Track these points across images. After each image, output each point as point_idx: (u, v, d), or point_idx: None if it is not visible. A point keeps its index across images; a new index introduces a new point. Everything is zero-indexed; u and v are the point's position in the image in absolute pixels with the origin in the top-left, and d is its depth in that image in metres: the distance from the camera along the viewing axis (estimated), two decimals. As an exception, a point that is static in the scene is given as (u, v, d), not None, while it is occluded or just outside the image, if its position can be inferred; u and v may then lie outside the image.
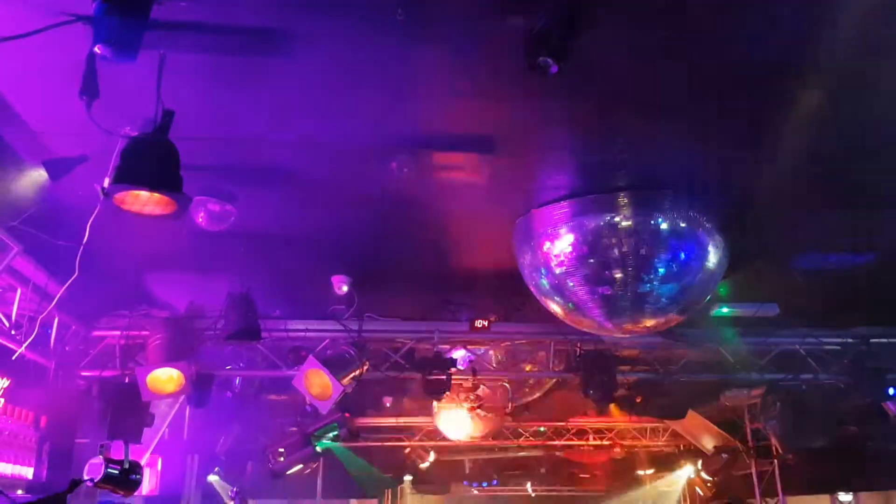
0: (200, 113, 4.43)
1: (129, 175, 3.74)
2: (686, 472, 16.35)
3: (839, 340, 8.78)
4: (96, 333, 8.00)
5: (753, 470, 12.47)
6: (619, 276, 5.86)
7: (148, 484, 9.55)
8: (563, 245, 5.84)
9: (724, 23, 3.87)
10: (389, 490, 17.01)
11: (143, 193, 3.92)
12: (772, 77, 4.26)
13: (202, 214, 5.49)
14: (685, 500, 17.01)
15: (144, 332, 7.73)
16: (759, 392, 10.65)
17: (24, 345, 6.43)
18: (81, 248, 4.49)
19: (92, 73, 3.56)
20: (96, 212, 4.26)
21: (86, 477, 4.20)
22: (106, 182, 3.78)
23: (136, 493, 5.36)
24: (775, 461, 11.98)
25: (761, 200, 5.72)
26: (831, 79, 4.26)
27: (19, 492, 6.99)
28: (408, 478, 17.18)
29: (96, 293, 7.09)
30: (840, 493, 13.33)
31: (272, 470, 10.47)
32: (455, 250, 6.73)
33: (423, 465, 15.93)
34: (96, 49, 3.34)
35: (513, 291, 6.65)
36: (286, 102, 4.49)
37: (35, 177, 4.72)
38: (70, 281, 4.82)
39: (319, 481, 13.18)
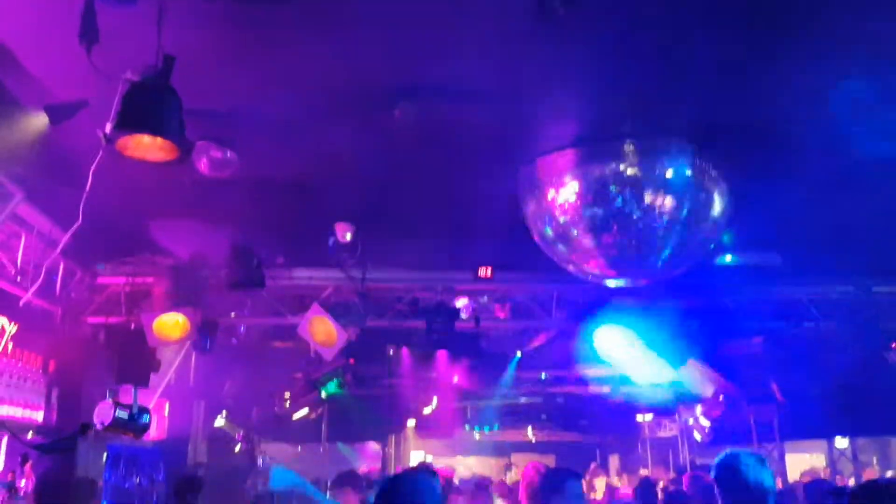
0: (203, 58, 4.38)
1: (131, 120, 3.71)
2: (684, 417, 16.58)
3: (841, 290, 8.81)
4: (101, 280, 8.04)
5: (751, 416, 12.62)
6: (623, 224, 5.85)
7: (155, 428, 9.69)
8: (567, 193, 5.81)
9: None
10: (393, 435, 17.28)
11: (145, 139, 3.89)
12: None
13: (204, 161, 5.46)
14: (683, 446, 17.26)
15: (149, 279, 7.77)
16: (760, 340, 10.74)
17: (31, 291, 6.47)
18: (85, 194, 4.47)
19: (91, 18, 3.52)
20: (98, 158, 4.24)
21: (95, 420, 4.26)
22: (108, 127, 3.75)
23: (144, 438, 5.43)
24: (774, 407, 12.13)
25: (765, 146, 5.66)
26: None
27: (30, 434, 7.12)
28: (411, 423, 17.44)
29: (100, 240, 7.13)
30: (837, 439, 13.55)
31: (277, 415, 10.62)
32: (460, 199, 6.70)
33: (427, 411, 16.17)
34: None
35: (518, 240, 6.63)
36: (289, 48, 4.43)
37: (36, 122, 4.69)
38: (74, 228, 4.82)
39: (324, 426, 13.37)
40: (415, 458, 17.94)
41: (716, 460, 3.90)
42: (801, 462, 14.48)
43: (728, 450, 3.87)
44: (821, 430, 13.33)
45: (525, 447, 20.14)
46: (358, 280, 8.12)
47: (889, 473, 13.53)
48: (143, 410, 4.39)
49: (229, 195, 6.22)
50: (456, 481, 11.45)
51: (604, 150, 5.66)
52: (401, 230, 7.48)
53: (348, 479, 6.22)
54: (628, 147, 5.62)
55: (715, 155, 5.67)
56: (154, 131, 3.76)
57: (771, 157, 5.84)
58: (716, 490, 3.79)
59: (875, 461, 14.21)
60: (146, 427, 4.38)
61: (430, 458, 17.36)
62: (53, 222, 6.47)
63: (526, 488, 5.67)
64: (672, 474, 14.50)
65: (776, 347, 10.97)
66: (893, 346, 9.34)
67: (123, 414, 4.27)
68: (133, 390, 4.72)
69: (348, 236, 7.23)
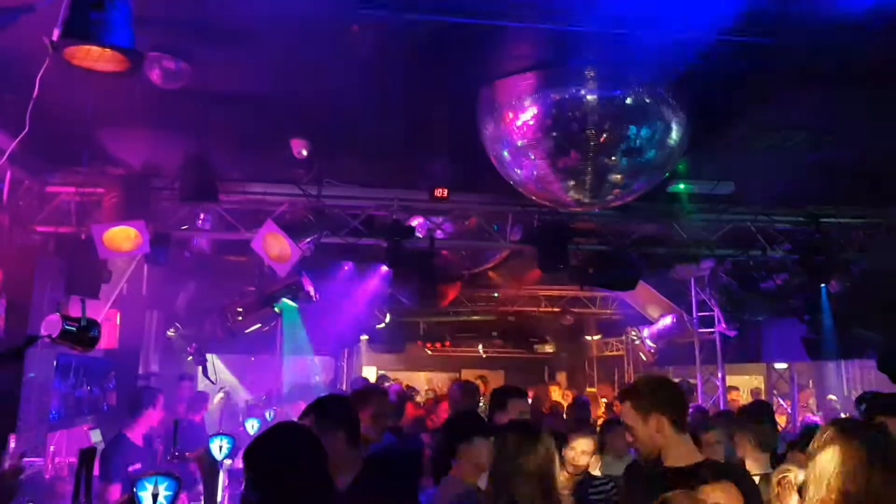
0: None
1: (78, 30, 3.57)
2: (631, 337, 17.09)
3: (790, 220, 9.02)
4: (50, 189, 7.86)
5: (696, 339, 13.06)
6: (580, 149, 5.87)
7: (107, 338, 9.68)
8: (526, 117, 5.80)
9: None
10: (347, 349, 17.51)
11: (94, 49, 3.77)
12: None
13: (157, 71, 5.30)
14: (629, 365, 17.85)
15: (100, 189, 7.62)
16: (709, 266, 11.03)
17: (-24, 199, 6.32)
18: (32, 101, 4.33)
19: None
20: (45, 65, 4.10)
21: (43, 333, 4.23)
22: (55, 34, 3.61)
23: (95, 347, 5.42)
24: (717, 331, 12.55)
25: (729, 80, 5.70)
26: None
27: (-24, 344, 7.06)
28: (364, 337, 17.66)
29: (49, 149, 6.94)
30: (776, 363, 14.13)
31: (230, 328, 10.65)
32: (417, 117, 6.64)
33: (379, 326, 16.38)
34: None
35: (474, 162, 6.63)
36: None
37: (-21, 25, 4.49)
38: (21, 136, 4.69)
39: (278, 338, 13.48)
40: (367, 372, 18.25)
41: None
42: (742, 383, 15.10)
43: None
44: (761, 355, 13.88)
45: (476, 363, 20.59)
46: (313, 197, 8.07)
47: (831, 397, 14.22)
48: (92, 323, 4.36)
49: (184, 106, 6.08)
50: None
51: (564, 75, 5.64)
52: (358, 148, 7.41)
53: (300, 393, 6.33)
54: (589, 73, 5.60)
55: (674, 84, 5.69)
56: (103, 42, 3.62)
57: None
58: None
59: (811, 384, 14.89)
60: (95, 340, 4.35)
61: (382, 373, 17.67)
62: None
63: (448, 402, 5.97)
64: (616, 392, 15.04)
65: (724, 273, 11.32)
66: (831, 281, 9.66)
67: (71, 327, 4.25)
68: (82, 303, 4.67)
69: (304, 152, 7.13)
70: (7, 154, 5.68)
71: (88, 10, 3.62)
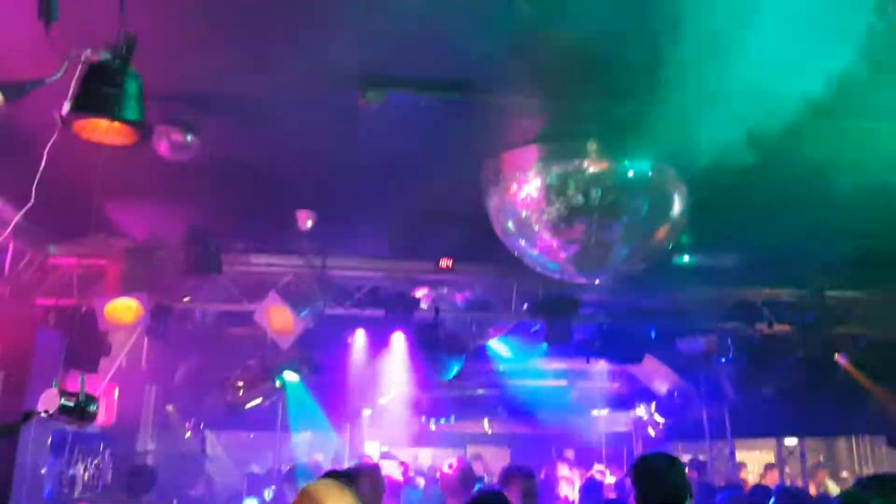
0: (165, 39, 4.27)
1: (89, 103, 3.58)
2: (639, 413, 16.79)
3: (795, 293, 8.96)
4: (53, 261, 7.85)
5: (704, 413, 12.83)
6: (584, 221, 5.88)
7: (104, 413, 9.51)
8: (530, 189, 5.82)
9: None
10: (349, 424, 17.21)
11: (103, 122, 3.78)
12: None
13: (165, 144, 5.34)
14: (637, 441, 17.48)
15: (102, 261, 7.61)
16: (715, 339, 10.91)
17: (-22, 271, 6.29)
18: (38, 174, 4.33)
19: (51, -7, 3.39)
20: (54, 138, 4.12)
21: (40, 408, 4.13)
22: (64, 109, 3.63)
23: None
24: (726, 405, 12.34)
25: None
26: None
27: (-27, 418, 6.93)
28: (367, 412, 17.37)
29: (53, 221, 6.95)
30: (786, 438, 13.84)
31: (230, 402, 10.48)
32: (422, 189, 6.67)
33: (382, 401, 16.12)
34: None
35: (479, 233, 6.63)
36: (253, 31, 4.35)
37: (-11, 99, 4.53)
38: (26, 208, 4.68)
39: (279, 414, 13.26)
40: (370, 448, 17.89)
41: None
42: (751, 460, 14.77)
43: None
44: (771, 429, 13.61)
45: (481, 439, 20.20)
46: (318, 268, 8.04)
47: (844, 474, 13.89)
48: (91, 399, 4.26)
49: (189, 177, 6.10)
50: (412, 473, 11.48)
51: (568, 148, 5.68)
52: (363, 217, 7.42)
53: (301, 471, 6.18)
54: (591, 146, 5.64)
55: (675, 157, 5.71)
56: (112, 115, 3.64)
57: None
58: (633, 493, 3.83)
59: (822, 459, 14.57)
60: (93, 416, 4.25)
61: (385, 449, 17.32)
62: (4, 201, 6.28)
63: (446, 482, 5.84)
64: (625, 468, 14.67)
65: (730, 347, 11.17)
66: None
67: (69, 403, 4.15)
68: (81, 377, 4.58)
69: (309, 223, 7.15)
70: (11, 227, 5.68)
71: (100, 84, 3.64)
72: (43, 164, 4.26)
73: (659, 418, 14.85)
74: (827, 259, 8.22)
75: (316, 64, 4.68)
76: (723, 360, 11.75)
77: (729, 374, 11.98)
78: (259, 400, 10.82)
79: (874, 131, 5.25)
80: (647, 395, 15.34)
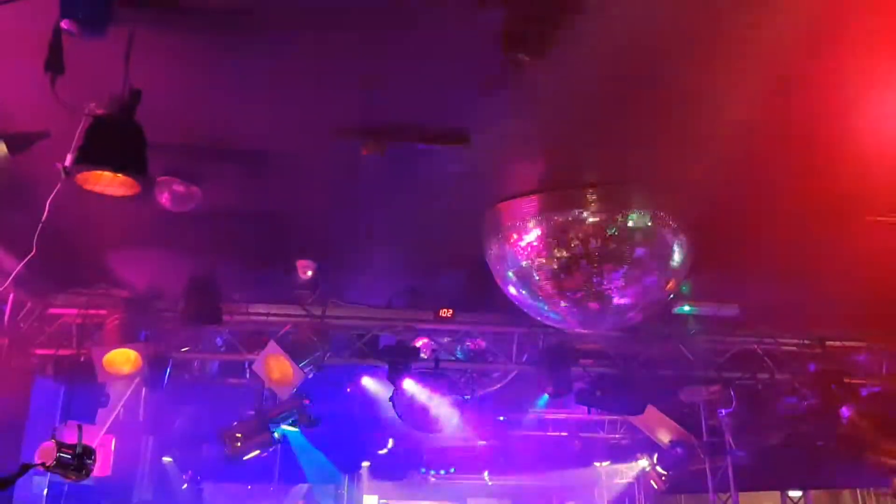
0: (168, 92, 4.33)
1: (93, 155, 3.63)
2: (641, 464, 16.57)
3: (796, 342, 8.93)
4: (52, 311, 7.84)
5: (707, 465, 12.66)
6: (584, 271, 5.88)
7: (100, 465, 9.39)
8: (530, 238, 5.84)
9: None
10: (347, 476, 16.99)
11: (106, 174, 3.83)
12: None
13: (166, 195, 5.38)
14: (639, 493, 17.24)
15: (102, 312, 7.60)
16: (717, 389, 10.81)
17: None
18: (40, 225, 4.36)
19: (57, 49, 3.45)
20: (56, 189, 4.15)
21: (37, 461, 4.09)
22: (68, 160, 3.68)
23: (88, 476, 5.24)
24: (729, 457, 12.18)
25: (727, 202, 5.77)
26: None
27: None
28: (365, 464, 17.17)
29: (54, 271, 6.95)
30: (790, 491, 13.64)
31: (228, 454, 10.35)
32: (422, 238, 6.69)
33: (381, 452, 15.94)
34: (62, 24, 3.24)
35: (479, 282, 6.63)
36: (255, 84, 4.41)
37: (-5, 151, 4.58)
38: (27, 259, 4.69)
39: (277, 466, 13.10)
40: (368, 501, 17.64)
41: None
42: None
43: None
44: (775, 482, 13.42)
45: (482, 491, 19.90)
46: (317, 318, 8.03)
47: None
48: (88, 451, 4.23)
49: (189, 228, 6.13)
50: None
51: (567, 198, 5.71)
52: (363, 267, 7.43)
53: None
54: (591, 195, 5.67)
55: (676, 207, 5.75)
56: (115, 168, 3.68)
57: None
58: None
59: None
60: (90, 469, 4.20)
61: (384, 502, 17.08)
62: (5, 251, 6.29)
63: None
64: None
65: (732, 397, 11.07)
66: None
67: (66, 455, 4.12)
68: (78, 429, 4.55)
69: (309, 273, 7.15)
70: (12, 277, 5.69)
71: (104, 137, 3.70)
72: (45, 214, 4.30)
73: (661, 470, 14.64)
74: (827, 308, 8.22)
75: (317, 116, 4.73)
76: (724, 411, 11.65)
77: (731, 424, 11.86)
78: (257, 451, 10.68)
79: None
80: (649, 447, 15.15)
